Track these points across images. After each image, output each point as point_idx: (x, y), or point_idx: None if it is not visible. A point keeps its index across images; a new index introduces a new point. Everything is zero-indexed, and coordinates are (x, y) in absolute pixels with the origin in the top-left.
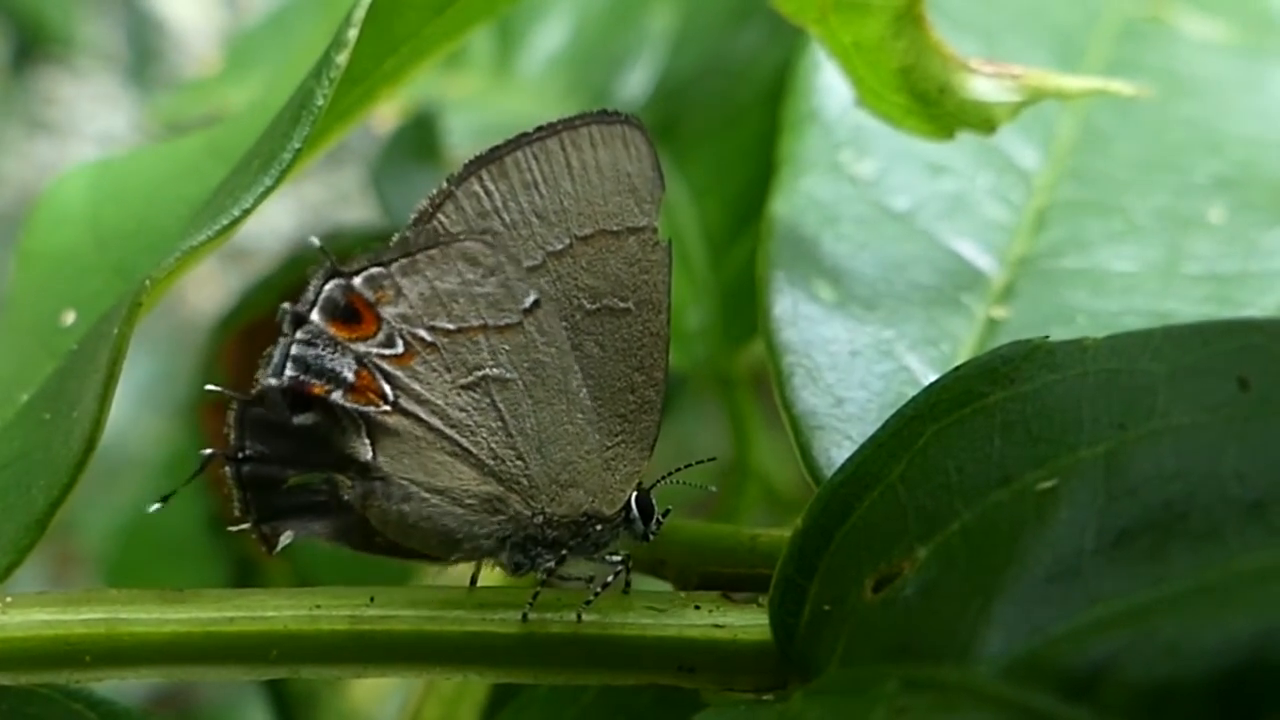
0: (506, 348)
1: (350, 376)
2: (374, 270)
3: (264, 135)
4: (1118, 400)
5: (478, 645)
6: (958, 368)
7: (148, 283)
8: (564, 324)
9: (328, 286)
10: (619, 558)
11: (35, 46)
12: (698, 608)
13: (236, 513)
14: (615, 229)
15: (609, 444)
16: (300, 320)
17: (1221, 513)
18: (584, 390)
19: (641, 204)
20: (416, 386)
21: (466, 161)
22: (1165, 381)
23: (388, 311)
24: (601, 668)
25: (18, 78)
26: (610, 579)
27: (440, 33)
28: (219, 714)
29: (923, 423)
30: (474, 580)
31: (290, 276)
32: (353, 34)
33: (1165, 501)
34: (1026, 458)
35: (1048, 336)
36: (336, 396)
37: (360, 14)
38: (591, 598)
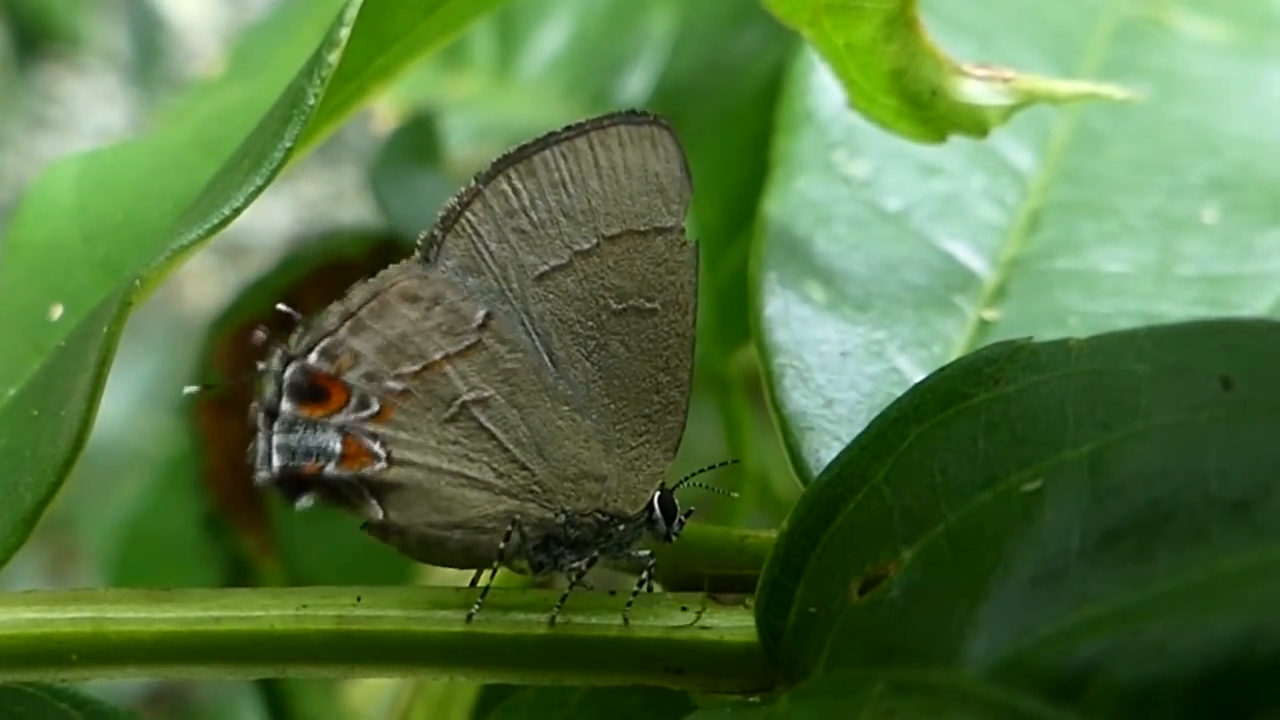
0: (474, 369)
1: (338, 448)
2: (325, 342)
3: (255, 133)
4: (1102, 401)
5: (464, 646)
6: (942, 369)
7: (138, 282)
8: (590, 323)
9: (288, 372)
10: (645, 553)
11: (39, 43)
12: (684, 609)
13: (259, 463)
14: (642, 229)
15: (633, 444)
16: (273, 413)
17: (1206, 513)
18: (561, 382)
19: (669, 204)
20: (404, 435)
21: (494, 160)
22: (1149, 382)
23: (351, 376)
24: (588, 669)
25: (21, 74)
26: (644, 577)
27: (432, 31)
28: (213, 714)
29: (907, 424)
30: (474, 581)
31: (287, 275)
32: (345, 33)
33: (1150, 502)
34: (1011, 459)
35: (1031, 337)
36: (330, 470)
37: (352, 14)
38: (558, 605)
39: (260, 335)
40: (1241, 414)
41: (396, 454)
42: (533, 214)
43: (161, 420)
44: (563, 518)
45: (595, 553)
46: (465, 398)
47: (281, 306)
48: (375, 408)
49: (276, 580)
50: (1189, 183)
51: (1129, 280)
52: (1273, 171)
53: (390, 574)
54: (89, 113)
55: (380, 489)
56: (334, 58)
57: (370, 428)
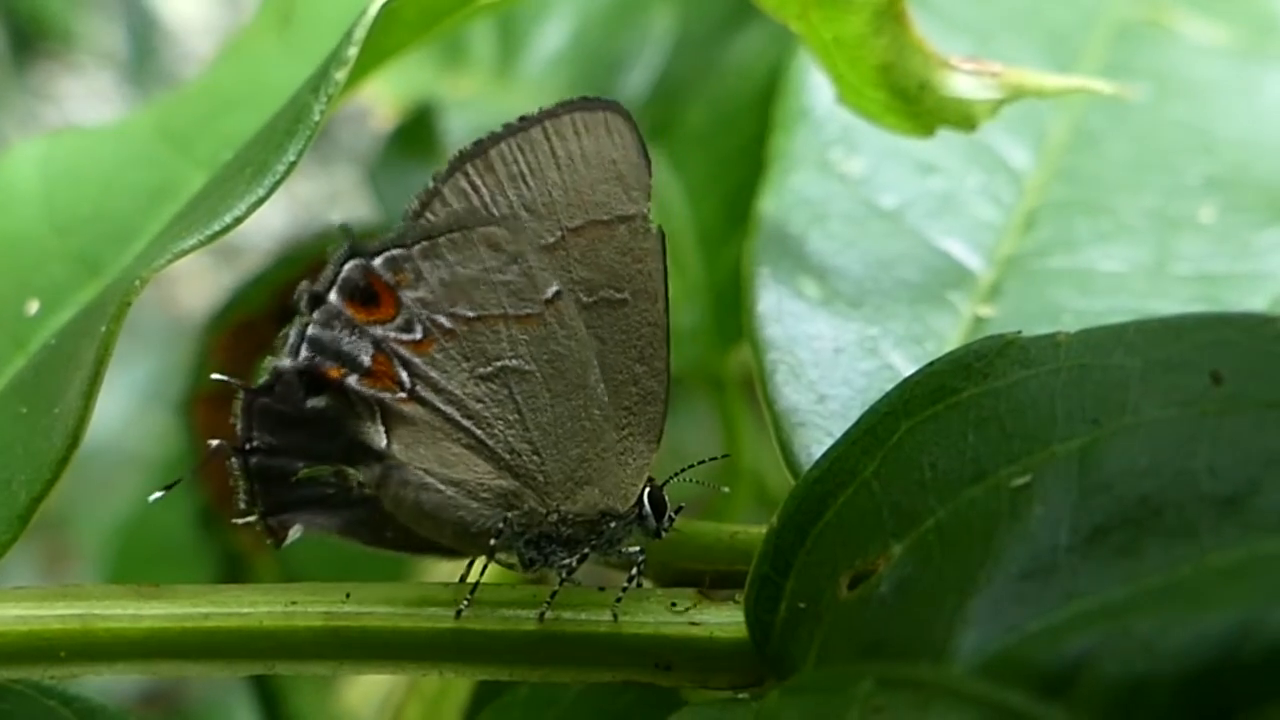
0: (526, 338)
1: (367, 361)
2: (395, 252)
3: (255, 141)
4: (1091, 395)
5: (453, 642)
6: (930, 363)
7: (137, 283)
8: None
9: (347, 266)
10: (635, 549)
11: (34, 41)
12: (674, 605)
13: (242, 505)
14: (605, 218)
15: (615, 438)
16: (318, 300)
17: (1195, 508)
18: (601, 385)
19: (629, 191)
20: (434, 374)
21: (451, 157)
22: (1138, 376)
23: (408, 295)
24: (577, 665)
25: (16, 72)
26: (633, 574)
27: (423, 42)
28: (207, 713)
29: (896, 419)
30: (464, 577)
31: (282, 274)
32: (353, 52)
33: (1139, 497)
34: (1000, 453)
35: (1020, 332)
36: (352, 381)
37: (361, 33)
38: (549, 601)
39: (339, 221)
40: (1231, 409)
41: (421, 390)
42: (494, 210)
43: (156, 421)
44: (555, 516)
45: (586, 549)
46: (507, 363)
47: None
48: (418, 334)
49: (271, 577)
50: (1186, 182)
51: (1124, 279)
52: (1269, 172)
53: (384, 571)
54: (84, 111)
55: (392, 418)
56: (341, 76)
57: (405, 353)
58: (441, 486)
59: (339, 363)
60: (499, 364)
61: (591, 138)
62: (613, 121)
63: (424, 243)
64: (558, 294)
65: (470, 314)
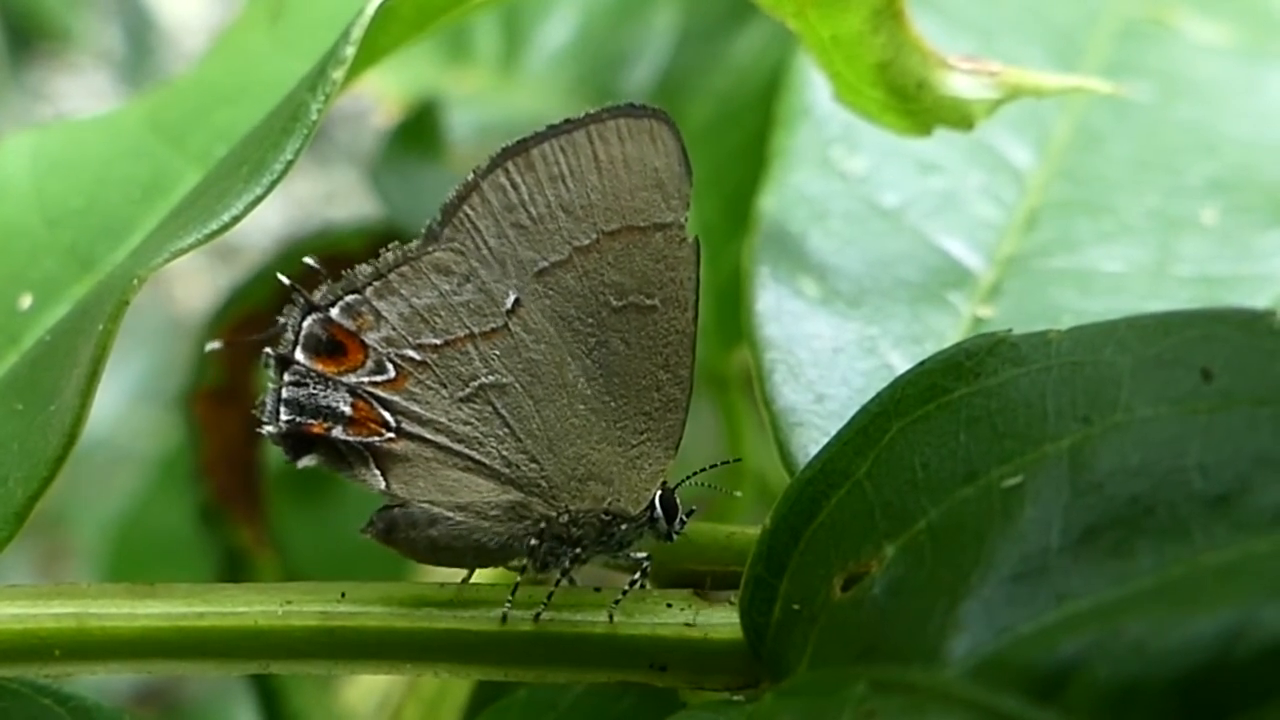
0: (497, 352)
1: (347, 410)
2: (349, 298)
3: (251, 138)
4: (1082, 393)
5: (449, 642)
6: (922, 362)
7: (135, 281)
8: (590, 319)
9: (306, 323)
10: (642, 555)
11: (31, 40)
12: (670, 606)
13: (264, 416)
14: (642, 225)
15: (634, 442)
16: (285, 362)
17: (1186, 508)
18: (581, 379)
19: (669, 200)
20: (416, 408)
21: (494, 153)
22: (1129, 373)
23: (371, 338)
24: (573, 665)
25: (12, 72)
26: (636, 577)
27: (421, 38)
28: (204, 713)
29: (888, 419)
30: (465, 578)
31: (285, 269)
32: (350, 51)
33: (1130, 497)
34: (992, 453)
35: (1011, 330)
36: (337, 433)
37: (358, 33)
38: (545, 602)
39: (285, 280)
40: (1222, 406)
41: (406, 426)
42: (532, 209)
43: (153, 418)
44: (565, 517)
45: (594, 551)
46: (483, 380)
47: (310, 260)
48: (390, 374)
49: (272, 574)
50: (1188, 183)
51: (1125, 279)
52: (1272, 173)
53: (388, 567)
54: (80, 111)
55: (385, 459)
56: (339, 75)
57: (383, 394)
58: (449, 514)
59: (320, 418)
60: (476, 383)
61: (635, 144)
62: (658, 130)
63: (375, 283)
64: (517, 302)
65: (436, 341)
